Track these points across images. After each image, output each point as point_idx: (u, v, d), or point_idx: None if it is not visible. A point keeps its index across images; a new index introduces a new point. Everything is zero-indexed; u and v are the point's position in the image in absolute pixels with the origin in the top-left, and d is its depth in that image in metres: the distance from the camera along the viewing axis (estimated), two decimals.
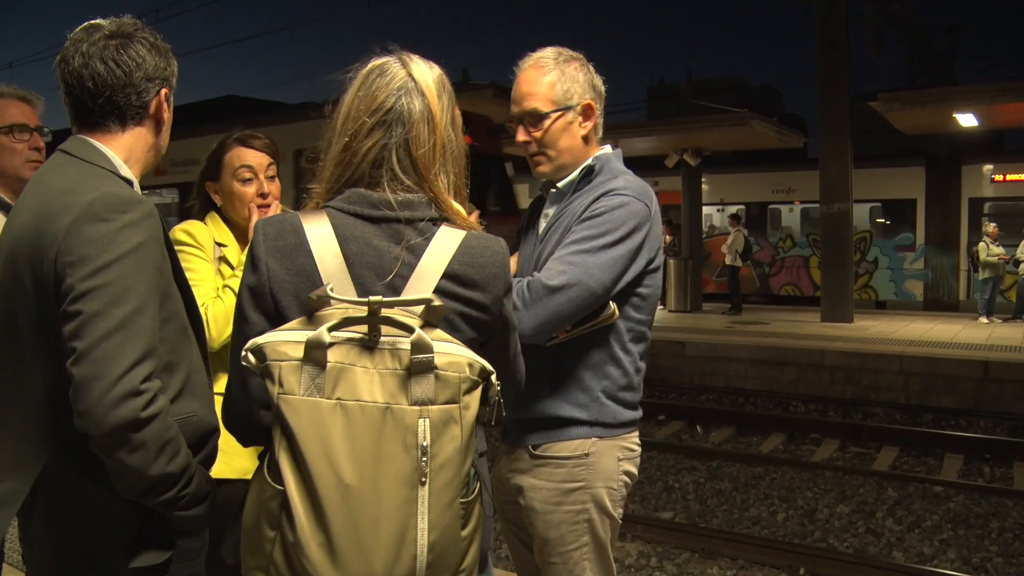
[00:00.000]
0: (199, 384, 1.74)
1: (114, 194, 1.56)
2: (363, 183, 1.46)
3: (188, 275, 2.42)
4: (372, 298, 1.29)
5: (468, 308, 1.46)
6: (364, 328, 1.30)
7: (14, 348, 1.61)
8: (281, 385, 1.26)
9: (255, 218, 2.53)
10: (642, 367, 2.21)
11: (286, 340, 1.28)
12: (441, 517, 1.30)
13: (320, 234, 1.41)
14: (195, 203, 2.67)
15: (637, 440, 2.22)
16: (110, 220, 1.53)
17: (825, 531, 6.07)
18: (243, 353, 1.29)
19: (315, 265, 1.40)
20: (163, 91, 1.74)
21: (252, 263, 1.44)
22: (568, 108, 2.16)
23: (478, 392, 1.34)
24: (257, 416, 1.42)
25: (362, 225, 1.43)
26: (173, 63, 1.77)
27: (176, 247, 2.47)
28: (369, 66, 1.50)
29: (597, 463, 2.11)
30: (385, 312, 1.30)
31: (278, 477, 1.25)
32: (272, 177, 2.60)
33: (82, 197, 1.55)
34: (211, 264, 2.50)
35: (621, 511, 2.19)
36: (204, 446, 1.71)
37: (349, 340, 1.29)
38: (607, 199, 2.08)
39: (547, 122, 2.16)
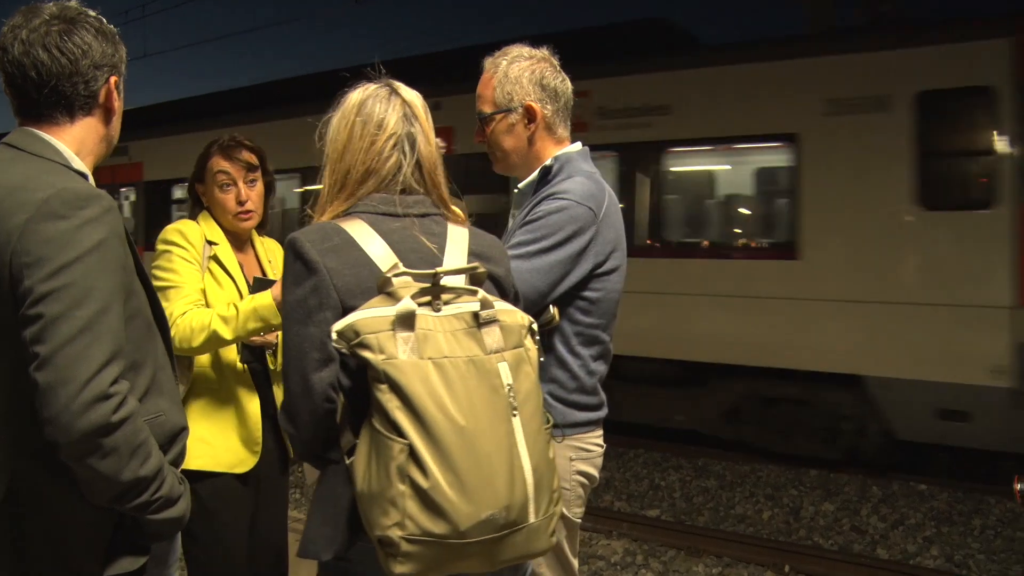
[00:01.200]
0: (165, 381, 1.68)
1: (71, 190, 1.49)
2: (381, 191, 1.66)
3: (171, 277, 2.45)
4: (439, 268, 1.51)
5: (491, 278, 1.67)
6: (428, 298, 1.48)
7: None
8: (382, 352, 1.41)
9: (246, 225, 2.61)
10: (597, 369, 2.20)
11: (374, 316, 1.44)
12: (535, 442, 1.50)
13: (362, 231, 1.59)
14: (188, 202, 2.72)
15: (597, 440, 2.22)
16: (68, 217, 1.45)
17: (810, 529, 6.10)
18: (332, 334, 1.44)
19: (368, 256, 1.56)
20: (112, 79, 1.65)
21: (307, 268, 1.55)
22: (509, 110, 2.18)
23: (531, 338, 1.58)
24: (323, 410, 1.54)
25: (391, 221, 1.62)
26: (122, 49, 1.68)
27: (165, 247, 2.50)
28: (362, 93, 1.69)
29: None
30: (443, 282, 1.50)
31: (400, 433, 1.38)
32: (253, 182, 2.62)
33: (36, 194, 1.47)
34: (197, 265, 2.52)
35: (579, 510, 2.19)
36: (173, 446, 1.65)
37: (420, 309, 1.47)
38: (546, 203, 2.09)
39: (492, 123, 2.20)
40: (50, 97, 1.58)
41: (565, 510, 2.13)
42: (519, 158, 2.23)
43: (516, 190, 2.28)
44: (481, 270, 1.57)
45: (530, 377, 1.53)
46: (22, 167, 1.55)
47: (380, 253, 1.57)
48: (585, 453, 2.17)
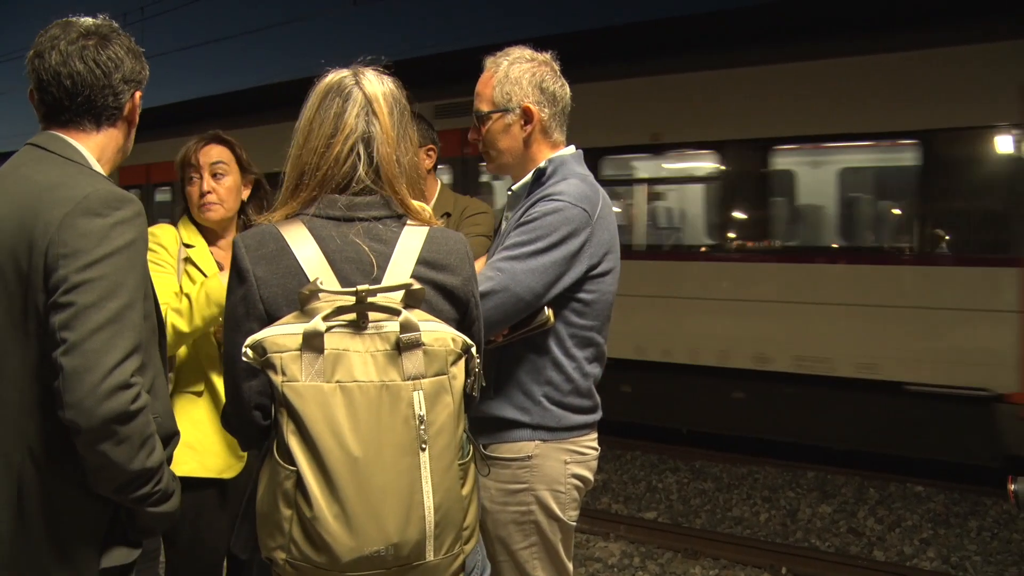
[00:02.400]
0: (161, 387, 1.74)
1: (107, 190, 1.58)
2: (332, 193, 1.59)
3: None
4: (360, 287, 1.42)
5: (442, 289, 1.59)
6: (353, 315, 1.42)
7: None
8: (284, 374, 1.37)
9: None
10: (592, 372, 2.21)
11: (284, 333, 1.40)
12: (443, 479, 1.43)
13: (299, 237, 1.53)
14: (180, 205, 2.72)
15: (592, 444, 2.22)
16: (104, 215, 1.54)
17: (807, 531, 6.11)
18: (243, 350, 1.40)
19: (300, 265, 1.51)
20: (137, 94, 1.75)
21: (238, 275, 1.53)
22: (507, 110, 2.19)
23: (462, 363, 1.49)
24: (251, 417, 1.53)
25: (335, 226, 1.55)
26: (146, 67, 1.78)
27: None
28: (327, 83, 1.61)
29: (541, 466, 2.12)
30: (371, 299, 1.43)
31: (290, 459, 1.36)
32: (219, 176, 2.60)
33: (73, 191, 1.55)
34: (168, 267, 2.52)
35: (574, 513, 2.20)
36: (166, 448, 1.70)
37: (340, 327, 1.41)
38: (541, 204, 2.10)
39: (488, 122, 2.21)
40: (82, 105, 1.68)
41: (561, 513, 2.15)
42: (513, 159, 2.24)
43: (510, 192, 2.30)
44: (416, 287, 1.48)
45: (448, 408, 1.45)
46: (55, 167, 1.63)
47: (312, 263, 1.51)
48: (580, 456, 2.18)
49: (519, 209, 2.19)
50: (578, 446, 2.18)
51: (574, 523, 2.21)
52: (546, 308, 2.08)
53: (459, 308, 1.63)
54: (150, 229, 2.54)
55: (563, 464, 2.14)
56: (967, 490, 6.82)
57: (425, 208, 1.66)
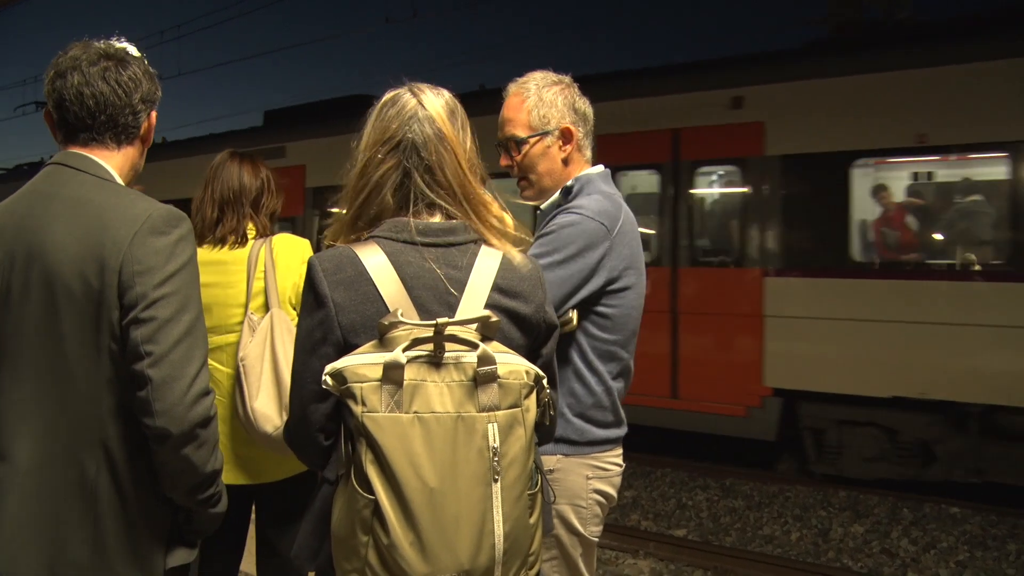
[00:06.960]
0: None
1: (166, 209, 1.67)
2: (403, 212, 1.59)
3: None
4: (439, 320, 1.44)
5: (515, 316, 1.61)
6: (431, 346, 1.44)
7: (58, 362, 1.63)
8: (364, 404, 1.40)
9: None
10: (614, 387, 2.22)
11: (364, 363, 1.43)
12: (513, 509, 1.46)
13: (377, 263, 1.54)
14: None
15: (615, 459, 2.23)
16: (168, 233, 1.64)
17: (839, 551, 6.03)
18: (323, 378, 1.43)
19: (378, 292, 1.53)
20: (152, 114, 1.82)
21: (316, 299, 1.54)
22: (546, 133, 2.23)
23: (534, 396, 1.52)
24: (315, 438, 1.58)
25: (412, 250, 1.56)
26: (159, 88, 1.85)
27: None
28: (381, 101, 1.64)
29: (562, 480, 2.12)
30: (448, 331, 1.44)
31: (368, 487, 1.39)
32: None
33: (134, 211, 1.64)
34: None
35: (596, 529, 2.20)
36: None
37: (418, 358, 1.44)
38: (560, 217, 2.14)
39: (526, 147, 2.24)
40: (105, 124, 1.74)
41: (582, 528, 2.16)
42: (552, 181, 2.27)
43: (539, 211, 2.33)
44: (493, 319, 1.49)
45: (520, 440, 1.47)
46: (103, 189, 1.70)
47: (391, 290, 1.53)
48: (602, 472, 2.19)
49: (543, 224, 2.21)
50: (600, 461, 2.19)
51: (596, 538, 2.22)
52: (571, 311, 2.10)
53: (529, 335, 1.65)
54: None
55: (585, 479, 2.15)
56: (1005, 512, 6.68)
57: (501, 224, 1.66)
